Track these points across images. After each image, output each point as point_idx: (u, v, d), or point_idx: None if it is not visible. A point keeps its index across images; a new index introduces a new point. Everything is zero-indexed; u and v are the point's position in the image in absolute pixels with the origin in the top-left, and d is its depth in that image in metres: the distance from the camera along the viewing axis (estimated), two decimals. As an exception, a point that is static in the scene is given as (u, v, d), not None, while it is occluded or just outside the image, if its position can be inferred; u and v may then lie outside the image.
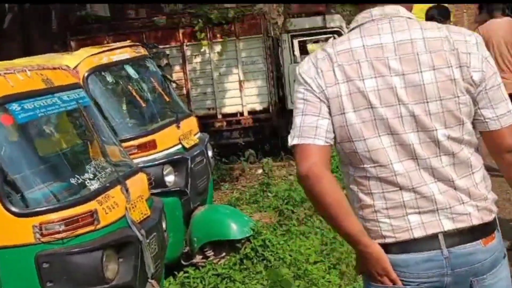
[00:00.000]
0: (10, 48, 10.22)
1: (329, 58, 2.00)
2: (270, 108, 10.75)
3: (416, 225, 1.96)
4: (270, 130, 11.13)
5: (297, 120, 2.01)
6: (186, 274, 5.31)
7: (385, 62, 1.95)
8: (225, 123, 10.88)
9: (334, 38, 12.22)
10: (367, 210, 2.01)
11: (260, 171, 10.10)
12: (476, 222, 1.98)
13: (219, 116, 10.85)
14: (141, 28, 10.72)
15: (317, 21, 10.80)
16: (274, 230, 5.79)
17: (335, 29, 10.90)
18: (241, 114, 10.85)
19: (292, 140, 2.02)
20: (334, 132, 2.01)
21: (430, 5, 6.74)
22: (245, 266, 5.26)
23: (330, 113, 1.99)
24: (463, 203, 1.97)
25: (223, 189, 9.03)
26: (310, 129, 1.98)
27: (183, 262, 5.55)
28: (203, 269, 5.38)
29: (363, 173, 2.00)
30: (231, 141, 11.10)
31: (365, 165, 1.99)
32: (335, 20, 10.86)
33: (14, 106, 3.44)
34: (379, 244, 1.99)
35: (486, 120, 2.01)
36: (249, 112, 10.83)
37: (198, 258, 5.61)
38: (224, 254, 5.57)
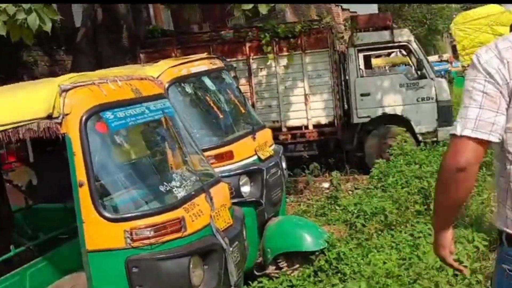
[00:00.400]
0: (82, 61, 10.58)
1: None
2: (335, 122, 10.72)
3: None
4: (334, 144, 11.10)
5: (473, 112, 1.98)
6: (260, 284, 5.32)
7: None
8: (289, 136, 10.90)
9: (400, 52, 12.15)
10: None
11: (325, 184, 10.06)
12: None
13: (284, 129, 10.89)
14: (208, 41, 10.90)
15: (385, 35, 10.72)
16: (347, 244, 5.73)
17: (403, 43, 10.80)
18: (306, 127, 10.85)
19: (462, 130, 2.00)
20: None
21: None
22: (319, 279, 5.23)
23: (508, 107, 1.97)
24: None
25: (288, 201, 9.02)
26: (487, 125, 1.97)
27: (256, 273, 5.57)
28: (276, 280, 5.38)
29: None
30: (295, 154, 11.12)
31: None
32: (403, 35, 10.76)
33: (108, 114, 3.55)
34: None
35: None
36: (314, 126, 10.83)
37: (271, 269, 5.62)
38: (297, 265, 5.56)
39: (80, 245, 3.45)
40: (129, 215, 3.47)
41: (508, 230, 2.01)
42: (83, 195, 3.39)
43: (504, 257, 2.06)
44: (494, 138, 1.97)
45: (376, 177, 8.85)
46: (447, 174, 2.02)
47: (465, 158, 1.97)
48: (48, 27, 5.10)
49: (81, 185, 3.39)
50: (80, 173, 3.40)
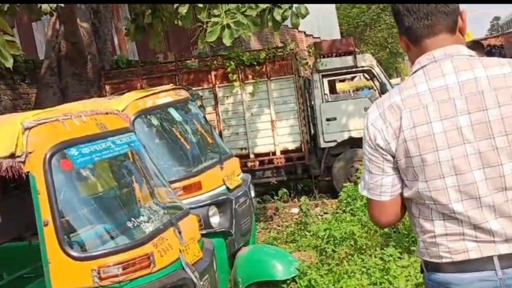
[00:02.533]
0: (46, 94, 10.47)
1: (396, 106, 2.04)
2: (303, 147, 10.79)
3: (472, 249, 2.00)
4: (302, 169, 11.15)
5: (365, 175, 2.17)
6: (232, 316, 5.26)
7: (451, 103, 1.98)
8: (257, 163, 10.92)
9: (364, 76, 12.33)
10: (427, 235, 2.08)
11: (294, 210, 10.08)
12: None
13: (252, 156, 10.91)
14: (174, 71, 10.92)
15: (348, 60, 10.88)
16: (318, 270, 5.72)
17: (366, 68, 10.97)
18: (274, 153, 10.90)
19: (362, 190, 2.20)
20: (399, 173, 2.09)
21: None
22: (291, 307, 5.20)
23: (393, 166, 2.08)
24: None
25: (258, 228, 9.00)
26: (375, 187, 2.13)
27: (227, 304, 5.51)
28: (248, 311, 5.33)
29: (425, 204, 2.06)
30: (263, 180, 11.12)
31: (426, 202, 2.05)
32: (366, 60, 10.94)
33: (73, 151, 3.52)
34: (435, 263, 2.07)
35: None
36: (282, 152, 10.88)
37: (243, 300, 5.57)
38: (269, 295, 5.53)
39: (46, 286, 3.37)
40: (97, 253, 3.42)
41: (424, 258, 2.13)
42: (49, 235, 3.33)
43: (427, 284, 2.16)
44: (385, 198, 2.13)
45: (344, 201, 8.90)
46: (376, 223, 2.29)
47: (382, 220, 2.20)
48: (10, 63, 5.04)
49: (46, 224, 3.32)
50: (45, 212, 3.34)
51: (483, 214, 1.98)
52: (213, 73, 10.85)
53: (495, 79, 1.97)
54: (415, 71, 2.08)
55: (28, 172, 3.33)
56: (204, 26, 6.71)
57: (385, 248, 6.15)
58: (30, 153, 3.33)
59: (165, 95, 5.60)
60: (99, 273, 3.36)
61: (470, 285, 2.00)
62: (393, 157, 2.06)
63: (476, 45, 6.45)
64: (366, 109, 10.67)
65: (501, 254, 1.98)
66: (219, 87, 10.90)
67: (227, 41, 6.12)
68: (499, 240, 1.99)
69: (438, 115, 1.98)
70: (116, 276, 3.40)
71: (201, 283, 3.82)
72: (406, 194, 2.10)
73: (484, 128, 1.96)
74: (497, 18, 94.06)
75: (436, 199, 2.00)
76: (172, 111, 5.54)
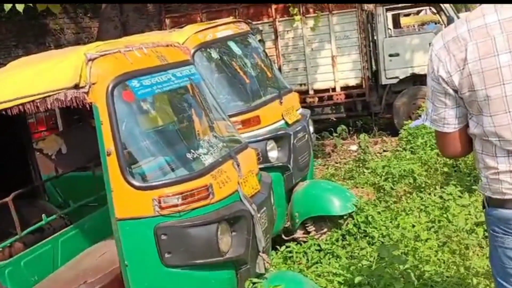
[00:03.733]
0: (108, 28, 10.58)
1: (462, 38, 1.97)
2: (363, 84, 10.61)
3: None
4: (362, 106, 10.99)
5: (428, 105, 2.15)
6: (289, 249, 5.35)
7: None
8: (316, 99, 10.84)
9: (430, 10, 11.86)
10: (490, 171, 2.07)
11: (353, 147, 10.01)
12: None
13: (311, 92, 10.82)
14: (233, 4, 10.77)
15: (413, -7, 10.47)
16: (375, 207, 5.71)
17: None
18: (333, 89, 10.77)
19: (425, 121, 2.21)
20: (463, 105, 2.06)
21: None
22: (347, 242, 5.24)
23: (456, 99, 2.05)
24: None
25: (316, 164, 9.00)
26: (439, 119, 2.13)
27: (284, 237, 5.60)
28: (305, 244, 5.41)
29: (489, 141, 2.03)
30: (323, 117, 11.06)
31: (489, 138, 2.02)
32: (431, -8, 10.48)
33: (134, 83, 3.54)
34: (497, 199, 2.07)
35: None
36: (342, 88, 10.74)
37: (299, 233, 5.65)
38: (325, 230, 5.58)
39: (109, 213, 3.49)
40: (157, 183, 3.49)
41: (486, 194, 2.12)
42: (111, 164, 3.41)
43: (488, 219, 2.16)
44: (449, 130, 2.11)
45: (405, 139, 8.76)
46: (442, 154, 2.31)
47: (448, 151, 2.23)
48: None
49: (109, 154, 3.40)
50: (108, 142, 3.41)
51: None
52: (273, 6, 10.67)
53: None
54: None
55: (91, 102, 3.40)
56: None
57: (444, 187, 6.07)
58: (93, 84, 3.38)
59: (224, 28, 5.55)
60: (159, 202, 3.44)
61: None
62: (456, 91, 2.02)
63: None
64: (431, 44, 10.31)
65: None
66: (279, 21, 10.74)
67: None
68: None
69: (506, 46, 1.91)
70: (176, 205, 3.47)
71: (259, 215, 3.87)
72: (472, 128, 2.07)
73: None
74: None
75: (500, 134, 1.97)
76: (231, 44, 5.49)
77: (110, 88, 3.42)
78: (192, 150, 3.75)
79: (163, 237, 3.46)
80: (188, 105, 4.17)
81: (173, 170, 3.64)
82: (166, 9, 10.99)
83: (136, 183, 3.45)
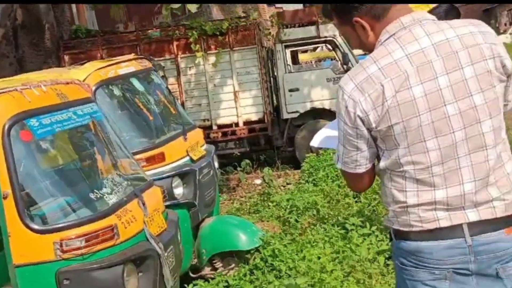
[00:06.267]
0: (3, 64, 10.17)
1: (375, 77, 2.02)
2: (265, 118, 10.79)
3: (443, 217, 2.04)
4: (265, 140, 11.18)
5: (339, 149, 2.17)
6: (196, 287, 5.27)
7: (430, 66, 2.00)
8: (220, 134, 10.89)
9: (326, 46, 12.33)
10: (398, 205, 2.10)
11: (257, 181, 10.11)
12: (500, 215, 2.05)
13: (215, 127, 10.87)
14: (135, 41, 10.72)
15: (311, 30, 10.87)
16: (281, 240, 5.77)
17: (328, 38, 10.98)
18: (236, 124, 10.88)
19: (336, 163, 2.23)
20: (374, 146, 2.11)
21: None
22: (255, 277, 5.24)
23: (368, 141, 2.09)
24: (491, 200, 2.04)
25: (221, 199, 9.01)
26: (350, 162, 2.15)
27: (191, 275, 5.53)
28: (212, 281, 5.36)
29: (400, 173, 2.08)
30: (226, 152, 11.11)
31: (404, 168, 2.05)
32: (328, 30, 10.91)
33: (33, 122, 3.43)
34: (405, 231, 2.10)
35: (509, 102, 2.15)
36: (244, 123, 10.86)
37: (207, 270, 5.60)
38: (233, 265, 5.56)
39: (6, 259, 3.31)
40: (58, 225, 3.37)
41: (393, 226, 2.15)
42: (8, 207, 3.26)
43: (395, 252, 2.19)
44: (360, 170, 2.16)
45: (307, 172, 8.97)
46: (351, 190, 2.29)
47: (357, 188, 2.31)
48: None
49: (5, 197, 3.25)
50: (4, 184, 3.26)
51: (460, 175, 2.02)
52: (175, 43, 10.70)
53: (465, 37, 2.02)
54: (385, 40, 2.07)
55: (-14, 143, 3.24)
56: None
57: (347, 217, 6.24)
58: (-12, 124, 3.24)
59: (127, 65, 5.49)
60: (61, 246, 3.32)
61: (439, 252, 2.04)
62: (370, 130, 2.05)
63: (452, 9, 6.17)
64: (328, 80, 10.73)
65: (470, 222, 2.02)
66: (181, 57, 10.77)
67: (192, 8, 6.02)
68: (469, 205, 2.02)
69: (418, 79, 1.99)
70: (79, 248, 3.36)
71: (166, 254, 3.81)
72: (383, 163, 2.11)
73: (462, 87, 1.99)
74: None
75: (416, 161, 2.02)
76: (134, 81, 5.44)
77: (6, 128, 3.30)
78: (95, 190, 3.66)
79: (66, 282, 3.34)
80: (90, 143, 4.08)
81: (75, 211, 3.53)
82: (65, 45, 10.74)
83: (35, 226, 3.31)
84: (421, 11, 2.13)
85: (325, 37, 10.95)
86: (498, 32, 39.15)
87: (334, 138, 2.25)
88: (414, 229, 2.07)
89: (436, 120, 1.99)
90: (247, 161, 10.38)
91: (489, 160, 2.02)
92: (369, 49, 2.14)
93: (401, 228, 2.11)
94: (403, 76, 1.99)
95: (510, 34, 34.30)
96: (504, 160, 2.06)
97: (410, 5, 2.16)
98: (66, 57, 10.55)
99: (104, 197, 3.65)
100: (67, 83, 3.97)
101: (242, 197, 9.35)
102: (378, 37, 2.09)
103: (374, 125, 2.03)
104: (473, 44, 2.01)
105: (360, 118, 2.04)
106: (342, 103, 2.07)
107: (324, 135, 2.74)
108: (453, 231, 2.03)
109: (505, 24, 42.69)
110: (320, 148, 9.71)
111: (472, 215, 2.03)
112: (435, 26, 2.05)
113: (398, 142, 2.03)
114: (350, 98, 2.05)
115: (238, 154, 11.15)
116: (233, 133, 10.88)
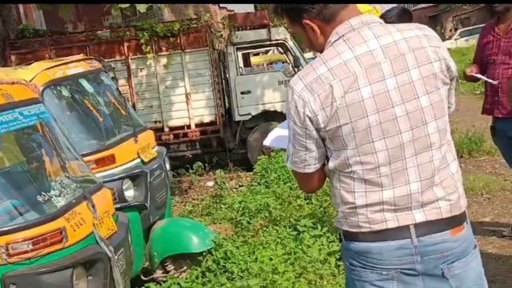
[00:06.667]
0: None
1: (324, 78, 2.03)
2: (217, 120, 10.80)
3: (390, 218, 2.08)
4: (217, 142, 11.17)
5: (289, 148, 2.20)
6: (148, 290, 5.22)
7: (378, 67, 2.03)
8: (172, 136, 10.84)
9: (278, 50, 12.40)
10: (348, 205, 2.12)
11: (209, 183, 10.09)
12: (445, 215, 2.10)
13: (166, 129, 10.81)
14: (84, 41, 10.55)
15: (262, 33, 10.93)
16: (233, 242, 5.77)
17: (280, 41, 11.05)
18: (188, 126, 10.84)
19: (286, 162, 2.26)
20: (323, 146, 2.13)
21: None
22: (208, 279, 5.21)
23: (317, 141, 2.11)
24: (437, 200, 2.08)
25: (173, 202, 8.95)
26: (299, 162, 2.18)
27: (143, 278, 5.46)
28: (164, 284, 5.31)
29: (348, 174, 2.10)
30: (178, 154, 11.06)
31: (353, 168, 2.08)
32: (280, 33, 11.01)
33: (-24, 122, 3.32)
34: (353, 232, 2.13)
35: (451, 104, 2.23)
36: (196, 125, 10.84)
37: (159, 273, 5.55)
38: (185, 268, 5.53)
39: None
40: (4, 229, 3.27)
41: (342, 228, 2.18)
42: (-49, 211, 3.15)
43: (345, 253, 2.22)
44: (310, 170, 2.19)
45: (259, 174, 8.99)
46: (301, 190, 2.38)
47: (307, 187, 2.33)
48: None
49: None
50: None
51: (407, 175, 2.05)
52: (125, 44, 10.59)
53: (411, 40, 2.06)
54: (334, 41, 2.09)
55: None
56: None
57: (298, 219, 6.29)
58: None
59: (76, 65, 5.39)
60: (7, 249, 3.22)
61: (387, 253, 2.07)
62: (318, 130, 2.07)
63: (405, 12, 6.26)
64: (280, 82, 10.80)
65: (416, 223, 2.06)
66: (132, 59, 10.67)
67: (141, 9, 5.96)
68: (415, 205, 2.06)
69: (366, 80, 2.01)
70: (26, 252, 3.27)
71: (116, 257, 3.75)
72: (331, 164, 2.13)
73: (409, 89, 2.03)
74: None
75: (364, 161, 2.05)
76: (83, 82, 5.34)
77: (-52, 129, 3.18)
78: (43, 192, 3.56)
79: (12, 286, 3.24)
80: (38, 145, 3.97)
81: (22, 214, 3.43)
82: (11, 44, 10.47)
83: (-20, 230, 3.20)
84: (369, 14, 2.16)
85: (276, 40, 11.03)
86: (444, 38, 40.30)
87: (285, 137, 2.25)
88: (362, 230, 2.10)
89: (384, 121, 2.02)
90: (199, 163, 10.35)
91: (434, 160, 2.06)
92: (319, 49, 2.17)
93: (350, 229, 2.13)
94: (352, 77, 2.01)
95: (455, 40, 35.28)
96: (449, 160, 2.11)
97: (360, 8, 2.19)
98: (13, 57, 10.31)
99: (52, 199, 3.56)
100: (13, 83, 3.86)
101: (194, 199, 9.31)
102: (327, 38, 2.11)
103: (322, 125, 2.05)
104: (419, 47, 2.05)
105: (309, 118, 2.06)
106: (292, 103, 2.09)
107: (276, 134, 2.77)
108: (400, 232, 2.07)
109: (450, 30, 43.95)
110: (272, 148, 9.76)
111: (419, 216, 2.07)
112: (383, 29, 2.08)
113: (346, 143, 2.05)
114: (299, 98, 2.06)
115: (190, 156, 11.12)
116: (185, 135, 10.85)
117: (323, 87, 2.02)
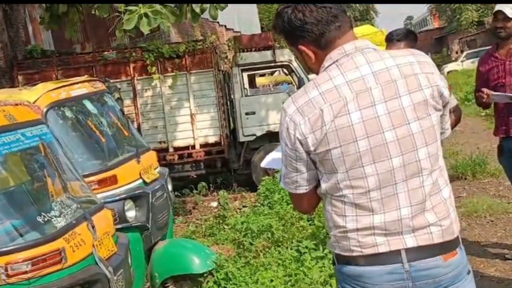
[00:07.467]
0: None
1: (315, 101, 2.06)
2: (222, 141, 10.83)
3: (381, 243, 2.08)
4: (222, 163, 11.19)
5: (282, 168, 2.23)
6: (149, 311, 5.22)
7: (368, 93, 2.05)
8: (176, 156, 10.87)
9: (283, 71, 12.48)
10: (339, 229, 2.14)
11: (213, 203, 10.10)
12: (437, 240, 2.10)
13: (171, 149, 10.85)
14: (91, 62, 10.66)
15: (267, 55, 11.00)
16: (235, 263, 5.76)
17: (284, 62, 11.13)
18: (193, 147, 10.88)
19: (280, 181, 2.29)
20: (314, 168, 2.15)
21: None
22: (208, 300, 5.21)
23: (308, 164, 2.14)
24: (428, 225, 2.09)
25: (177, 222, 8.97)
26: (291, 182, 2.21)
27: (144, 299, 5.46)
28: (165, 305, 5.31)
29: (339, 198, 2.12)
30: (182, 174, 11.08)
31: (343, 192, 2.10)
32: (284, 54, 11.07)
33: (-22, 143, 3.36)
34: (346, 256, 2.14)
35: (445, 130, 2.27)
36: (201, 145, 10.88)
37: (159, 294, 5.53)
38: (186, 288, 5.52)
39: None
40: (3, 249, 3.29)
41: (335, 251, 2.19)
42: (-48, 231, 3.18)
43: (338, 276, 2.23)
44: (301, 191, 2.22)
45: (263, 195, 8.99)
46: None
47: (301, 208, 2.34)
48: None
49: (-51, 220, 3.17)
50: None
51: (398, 200, 2.06)
52: (131, 65, 10.69)
53: (403, 67, 2.08)
54: (328, 66, 2.12)
55: None
56: (122, 15, 6.59)
57: (301, 240, 6.27)
58: None
59: (79, 86, 5.46)
60: (6, 270, 3.25)
61: (379, 277, 2.08)
62: (308, 153, 2.09)
63: (410, 33, 6.22)
64: (283, 109, 10.82)
65: (408, 248, 2.07)
66: (138, 79, 10.76)
67: (145, 29, 6.05)
68: (406, 230, 2.06)
69: (356, 105, 2.03)
70: (25, 272, 3.30)
71: (115, 277, 3.77)
72: (323, 187, 2.14)
73: (399, 115, 2.05)
74: (410, 18, 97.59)
75: (355, 186, 2.06)
76: (87, 103, 5.41)
77: (-49, 149, 3.22)
78: (43, 213, 3.60)
79: (11, 307, 3.25)
80: (39, 165, 4.02)
81: (22, 234, 3.46)
82: (19, 65, 10.59)
83: (-21, 250, 3.23)
84: (363, 40, 2.18)
85: (281, 61, 11.11)
86: (450, 60, 40.35)
87: (280, 159, 2.28)
88: (354, 254, 2.11)
89: (374, 146, 2.04)
90: (204, 183, 10.37)
91: (424, 186, 2.07)
92: (315, 72, 2.20)
93: (342, 253, 2.14)
94: (342, 102, 2.04)
95: (461, 61, 35.32)
96: (441, 186, 2.12)
97: (356, 32, 2.23)
98: (20, 77, 10.41)
99: (52, 220, 3.59)
100: (16, 105, 3.92)
101: (198, 219, 9.31)
102: (322, 62, 2.14)
103: (312, 148, 2.07)
104: (411, 74, 2.07)
105: (299, 141, 2.08)
106: (284, 125, 2.12)
107: (272, 157, 2.81)
108: (391, 256, 2.08)
109: (457, 52, 43.99)
110: (276, 169, 9.76)
111: (410, 241, 2.07)
112: (376, 55, 2.10)
113: (336, 167, 2.07)
114: (291, 120, 2.09)
115: (195, 176, 11.13)
116: (190, 155, 10.88)
117: (314, 110, 2.05)
